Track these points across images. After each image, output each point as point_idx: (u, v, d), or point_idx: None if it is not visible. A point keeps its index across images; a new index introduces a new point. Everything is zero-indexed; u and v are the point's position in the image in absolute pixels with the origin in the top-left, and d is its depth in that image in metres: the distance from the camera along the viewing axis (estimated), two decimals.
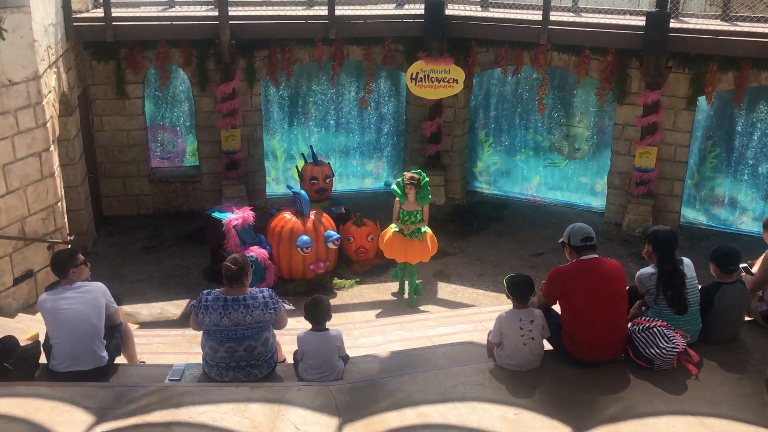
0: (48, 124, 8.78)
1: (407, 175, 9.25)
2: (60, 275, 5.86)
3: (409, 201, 9.20)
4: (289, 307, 8.84)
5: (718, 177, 11.87)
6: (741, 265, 6.22)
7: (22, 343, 5.96)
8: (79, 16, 11.06)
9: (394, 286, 10.03)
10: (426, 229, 9.46)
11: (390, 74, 13.01)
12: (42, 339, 6.00)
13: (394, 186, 9.44)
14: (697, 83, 11.06)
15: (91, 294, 5.78)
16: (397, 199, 9.32)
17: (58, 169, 9.26)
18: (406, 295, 9.74)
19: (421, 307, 9.51)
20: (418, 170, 9.52)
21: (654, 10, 11.03)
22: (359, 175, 13.64)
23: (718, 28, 11.00)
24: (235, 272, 5.56)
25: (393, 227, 9.50)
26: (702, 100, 11.30)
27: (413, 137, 12.98)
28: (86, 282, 5.94)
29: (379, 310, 9.34)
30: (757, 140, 11.44)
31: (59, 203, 9.10)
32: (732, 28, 10.95)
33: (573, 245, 5.64)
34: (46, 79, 8.93)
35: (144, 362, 6.52)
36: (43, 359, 5.89)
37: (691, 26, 11.15)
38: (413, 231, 9.29)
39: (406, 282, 9.72)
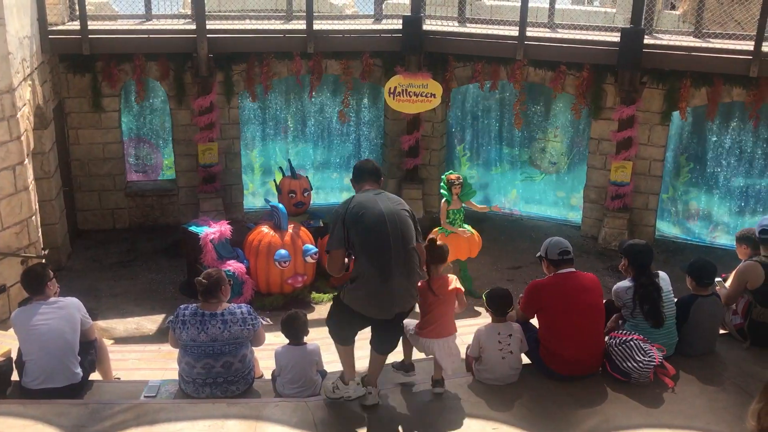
0: (22, 138, 8.68)
1: (452, 176, 9.80)
2: (35, 291, 5.75)
3: (455, 200, 9.73)
4: (266, 322, 8.79)
5: (693, 191, 12.02)
6: (716, 279, 6.30)
7: None
8: (54, 28, 10.98)
9: None
10: (470, 228, 10.00)
11: (368, 88, 13.05)
12: (15, 356, 5.90)
13: (443, 191, 9.81)
14: (671, 98, 11.23)
15: (65, 309, 5.70)
16: (444, 201, 9.79)
17: (33, 182, 9.16)
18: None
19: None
20: (451, 171, 10.26)
21: (628, 26, 11.20)
22: (337, 188, 13.63)
23: (691, 44, 11.20)
24: (207, 286, 5.52)
25: (438, 230, 9.87)
26: (676, 115, 11.46)
27: (391, 151, 13.01)
28: (60, 297, 5.86)
29: None
30: (730, 155, 11.61)
31: (33, 217, 8.99)
32: (704, 45, 11.15)
33: (550, 259, 5.67)
34: (21, 92, 8.84)
35: (119, 378, 6.43)
36: (15, 376, 5.79)
37: (664, 42, 11.33)
38: (461, 226, 9.86)
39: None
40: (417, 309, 5.50)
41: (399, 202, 5.18)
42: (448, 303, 5.46)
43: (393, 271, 4.95)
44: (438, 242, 5.56)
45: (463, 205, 9.90)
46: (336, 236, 5.02)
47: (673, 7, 16.47)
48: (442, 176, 10.00)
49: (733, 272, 6.44)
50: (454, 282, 5.49)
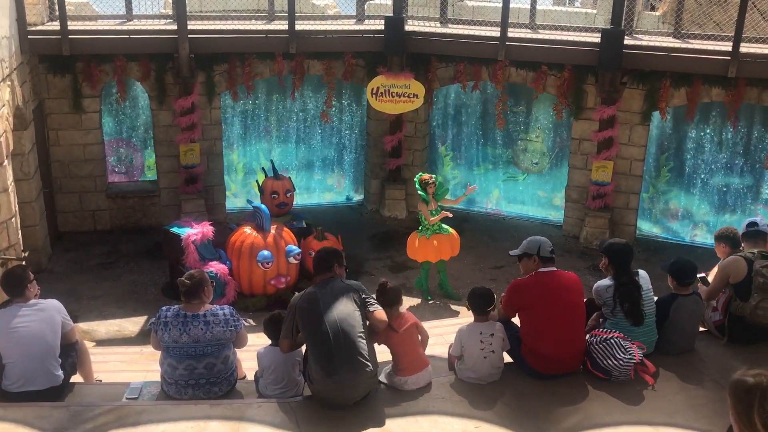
0: (1, 139, 8.61)
1: (425, 176, 9.82)
2: (15, 293, 5.71)
3: (431, 200, 9.77)
4: (249, 323, 8.77)
5: (673, 190, 12.14)
6: (699, 275, 6.36)
7: None
8: (34, 29, 10.88)
9: None
10: (448, 228, 10.04)
11: (351, 89, 13.05)
12: None
13: (420, 192, 9.81)
14: (651, 99, 11.32)
15: (46, 312, 5.65)
16: (421, 203, 9.81)
17: (12, 184, 9.08)
18: (430, 299, 10.18)
19: None
20: (421, 172, 10.17)
21: (609, 27, 11.27)
22: (320, 189, 13.62)
23: (671, 45, 11.30)
24: (190, 287, 5.50)
25: (418, 233, 9.93)
26: (656, 115, 11.56)
27: (374, 151, 13.03)
28: (41, 299, 5.82)
29: None
30: (709, 154, 11.74)
31: (13, 219, 8.91)
32: (684, 45, 11.25)
33: (543, 256, 5.75)
34: (0, 93, 8.76)
35: (100, 381, 6.39)
36: None
37: (644, 43, 11.43)
38: (439, 227, 9.88)
39: (432, 282, 10.31)
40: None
41: (343, 290, 5.37)
42: (411, 338, 5.63)
43: (336, 367, 5.11)
44: (388, 285, 5.74)
45: (439, 204, 9.90)
46: (286, 327, 5.46)
47: (652, 8, 16.61)
48: (415, 179, 9.96)
49: (716, 267, 6.51)
50: (412, 318, 5.73)
